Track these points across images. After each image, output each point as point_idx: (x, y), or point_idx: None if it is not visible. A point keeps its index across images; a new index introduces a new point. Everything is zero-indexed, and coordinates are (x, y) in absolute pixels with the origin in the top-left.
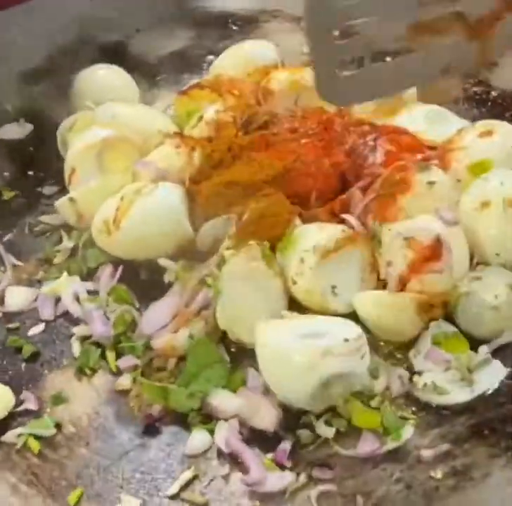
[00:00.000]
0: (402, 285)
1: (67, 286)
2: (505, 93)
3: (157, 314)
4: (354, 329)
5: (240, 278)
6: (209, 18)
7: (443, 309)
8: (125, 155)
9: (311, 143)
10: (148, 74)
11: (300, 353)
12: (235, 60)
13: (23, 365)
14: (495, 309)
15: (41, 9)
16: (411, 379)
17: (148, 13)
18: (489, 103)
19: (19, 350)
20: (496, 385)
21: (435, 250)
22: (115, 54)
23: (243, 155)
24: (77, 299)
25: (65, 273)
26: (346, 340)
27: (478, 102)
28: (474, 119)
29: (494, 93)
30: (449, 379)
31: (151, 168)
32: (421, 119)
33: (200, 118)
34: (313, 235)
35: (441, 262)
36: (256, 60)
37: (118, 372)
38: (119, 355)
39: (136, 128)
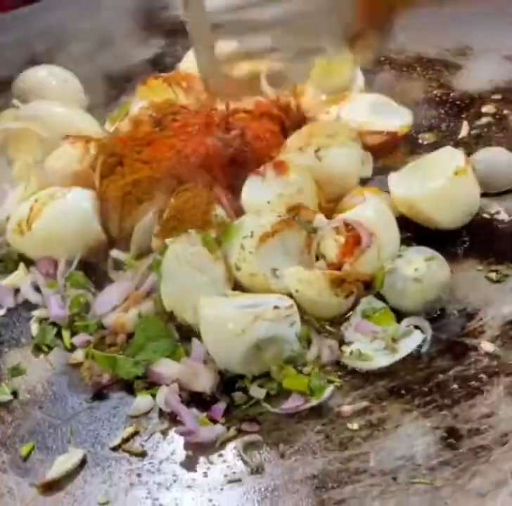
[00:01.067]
0: (337, 269)
1: (26, 278)
2: (464, 95)
3: (109, 296)
4: (285, 301)
5: (181, 263)
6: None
7: (356, 285)
8: (28, 148)
9: (188, 135)
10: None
11: (234, 320)
12: None
13: None
14: (417, 281)
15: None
16: (340, 349)
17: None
18: (448, 104)
19: None
20: (413, 351)
21: (360, 236)
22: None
23: (131, 153)
24: (36, 288)
25: (22, 265)
26: (276, 307)
27: (438, 104)
28: (433, 119)
29: (453, 94)
30: (374, 348)
31: (49, 171)
32: (366, 109)
33: (126, 114)
34: (251, 223)
35: (362, 246)
36: None
37: (73, 349)
38: (73, 335)
39: (54, 126)
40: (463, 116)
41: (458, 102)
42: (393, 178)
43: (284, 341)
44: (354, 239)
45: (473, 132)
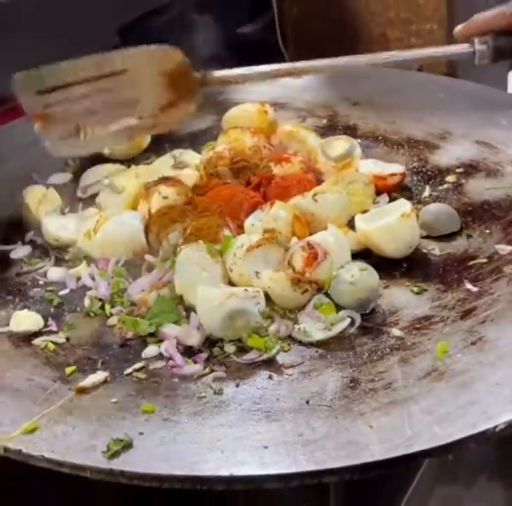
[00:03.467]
0: (301, 274)
1: (86, 269)
2: (435, 168)
3: (140, 283)
4: (255, 288)
5: (190, 262)
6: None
7: (311, 284)
8: None
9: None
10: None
11: (216, 298)
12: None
13: (52, 309)
14: (351, 284)
15: None
16: (293, 327)
17: None
18: (421, 174)
19: (50, 301)
20: (343, 331)
21: (317, 253)
22: None
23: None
24: (92, 277)
25: (84, 262)
26: (246, 290)
27: (413, 173)
28: (407, 184)
29: (427, 167)
30: (316, 328)
31: None
32: (370, 165)
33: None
34: (242, 240)
35: (318, 260)
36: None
37: (111, 316)
38: (112, 308)
39: None
40: (430, 182)
41: (429, 173)
42: (358, 218)
43: (250, 314)
44: (313, 255)
45: (433, 194)
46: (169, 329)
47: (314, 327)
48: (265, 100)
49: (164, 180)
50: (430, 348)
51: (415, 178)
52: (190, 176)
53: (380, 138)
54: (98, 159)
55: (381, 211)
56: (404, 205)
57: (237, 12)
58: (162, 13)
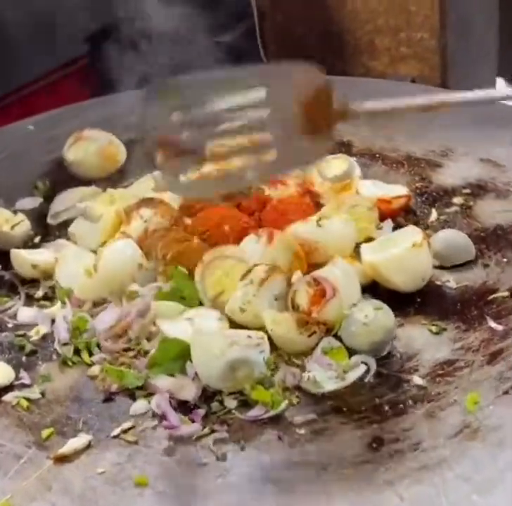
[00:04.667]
0: (308, 314)
1: (60, 310)
2: (440, 188)
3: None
4: (258, 334)
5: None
6: None
7: (319, 326)
8: None
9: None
10: None
11: (215, 345)
12: None
13: (23, 358)
14: (365, 325)
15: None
16: (301, 376)
17: None
18: (425, 195)
19: (22, 348)
20: (357, 380)
21: (325, 290)
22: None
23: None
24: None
25: (59, 303)
26: (249, 337)
27: (417, 194)
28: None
29: (431, 187)
30: (327, 376)
31: None
32: (371, 188)
33: None
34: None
35: (327, 297)
36: None
37: (92, 364)
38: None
39: None
40: (436, 205)
41: (434, 194)
42: (364, 248)
43: (254, 364)
44: (321, 292)
45: (441, 218)
46: (161, 382)
47: (324, 375)
48: None
49: (147, 201)
50: (457, 399)
51: (419, 199)
52: (174, 199)
53: (378, 155)
54: (70, 180)
55: (388, 240)
56: (414, 233)
57: (215, 19)
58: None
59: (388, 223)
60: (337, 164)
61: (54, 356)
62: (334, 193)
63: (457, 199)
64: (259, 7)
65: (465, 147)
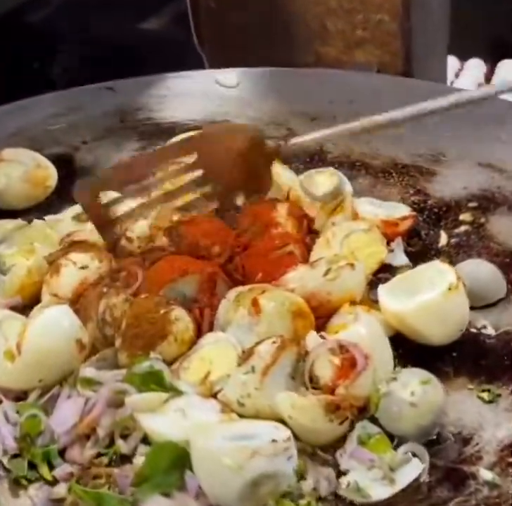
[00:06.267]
0: (331, 391)
1: None
2: (440, 202)
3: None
4: (282, 432)
5: None
6: (157, 130)
7: (351, 410)
8: None
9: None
10: None
11: (229, 455)
12: None
13: None
14: (413, 405)
15: None
16: (337, 478)
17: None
18: (426, 212)
19: None
20: (412, 481)
21: (355, 358)
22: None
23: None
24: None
25: None
26: (274, 441)
27: (416, 211)
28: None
29: (430, 202)
30: (371, 478)
31: None
32: (369, 208)
33: None
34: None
35: (358, 369)
36: None
37: (55, 482)
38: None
39: None
40: (441, 224)
41: (435, 210)
42: (382, 292)
43: (281, 476)
44: (350, 362)
45: (452, 241)
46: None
47: (366, 476)
48: (198, 118)
49: (75, 246)
50: None
51: (419, 218)
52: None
53: (358, 164)
54: None
55: (410, 279)
56: (443, 271)
57: (136, 2)
58: (42, 5)
59: (399, 245)
60: (323, 179)
61: (1, 473)
62: (326, 215)
63: (465, 216)
64: None
65: (458, 150)
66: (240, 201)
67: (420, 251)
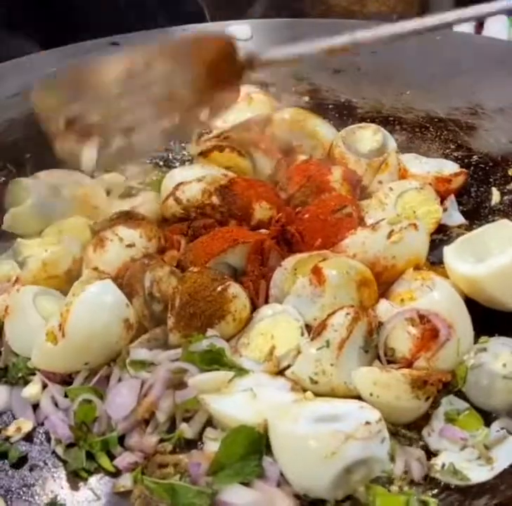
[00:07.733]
0: (409, 364)
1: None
2: (486, 157)
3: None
4: (371, 412)
5: None
6: None
7: (438, 386)
8: None
9: None
10: None
11: (318, 440)
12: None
13: (10, 471)
14: (506, 379)
15: None
16: (428, 459)
17: None
18: (472, 168)
19: (5, 455)
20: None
21: (436, 329)
22: None
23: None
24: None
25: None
26: (367, 423)
27: (461, 167)
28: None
29: (475, 158)
30: (466, 458)
31: None
32: (419, 165)
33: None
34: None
35: (441, 339)
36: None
37: (117, 472)
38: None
39: None
40: (491, 180)
41: (481, 166)
42: (449, 254)
43: (375, 460)
44: (431, 332)
45: (505, 198)
46: (237, 497)
47: (461, 456)
48: None
49: (123, 217)
50: None
51: None
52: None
53: (391, 118)
54: None
55: (478, 240)
56: None
57: None
58: None
59: (453, 203)
60: (366, 136)
61: (50, 463)
62: (373, 172)
63: None
64: None
65: (496, 101)
66: (204, 116)
67: (472, 210)
